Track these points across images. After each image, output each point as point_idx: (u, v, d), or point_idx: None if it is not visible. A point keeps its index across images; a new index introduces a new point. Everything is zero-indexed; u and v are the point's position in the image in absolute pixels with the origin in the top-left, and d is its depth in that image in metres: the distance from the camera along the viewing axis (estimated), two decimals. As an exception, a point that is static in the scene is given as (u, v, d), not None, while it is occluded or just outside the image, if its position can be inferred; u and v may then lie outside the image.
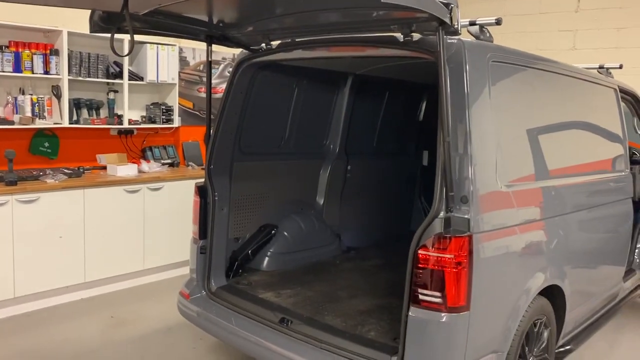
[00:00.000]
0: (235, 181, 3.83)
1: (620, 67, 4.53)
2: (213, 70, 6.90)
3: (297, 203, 4.47)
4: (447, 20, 2.36)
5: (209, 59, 3.51)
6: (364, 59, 3.71)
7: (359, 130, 4.84)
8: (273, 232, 4.14)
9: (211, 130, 3.69)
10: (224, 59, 6.67)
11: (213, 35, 3.37)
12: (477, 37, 2.87)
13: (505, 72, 2.92)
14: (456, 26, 2.43)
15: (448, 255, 2.48)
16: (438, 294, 2.51)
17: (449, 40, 2.61)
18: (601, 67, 4.41)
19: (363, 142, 4.97)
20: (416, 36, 2.75)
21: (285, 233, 4.21)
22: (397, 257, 4.64)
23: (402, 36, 2.77)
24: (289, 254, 4.19)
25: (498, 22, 2.82)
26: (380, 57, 3.34)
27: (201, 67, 6.53)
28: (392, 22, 2.75)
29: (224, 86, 6.60)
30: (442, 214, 2.51)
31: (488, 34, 2.93)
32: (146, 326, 4.43)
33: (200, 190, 3.64)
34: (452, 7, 2.38)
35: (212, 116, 3.69)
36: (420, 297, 2.55)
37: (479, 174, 2.60)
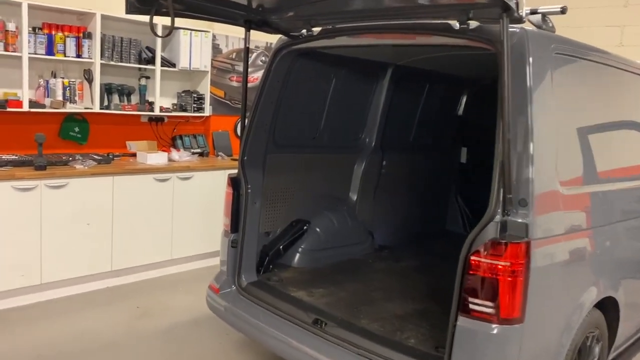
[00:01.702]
0: (268, 174, 3.68)
1: None
2: (245, 59, 6.86)
3: (329, 198, 4.31)
4: (513, 7, 2.15)
5: (247, 45, 3.36)
6: (409, 48, 3.52)
7: (396, 124, 4.65)
8: (305, 227, 3.99)
9: (245, 121, 3.54)
10: (257, 47, 6.52)
11: (252, 20, 3.21)
12: (538, 27, 2.65)
13: (568, 65, 2.70)
14: (522, 13, 2.22)
15: (503, 263, 2.29)
16: (490, 303, 2.32)
17: (510, 29, 2.40)
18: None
19: (400, 136, 4.78)
20: (472, 24, 2.55)
21: (318, 229, 4.05)
22: (432, 258, 4.48)
23: (457, 23, 2.57)
24: (320, 251, 4.03)
25: (563, 10, 2.59)
26: (429, 45, 3.13)
27: (234, 56, 6.39)
28: (447, 7, 2.55)
29: (256, 75, 6.53)
30: (497, 217, 2.31)
31: (550, 24, 2.70)
32: (172, 318, 4.33)
33: (234, 182, 3.50)
34: None
35: (246, 106, 3.54)
36: (471, 306, 2.36)
37: (539, 175, 2.40)
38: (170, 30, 2.68)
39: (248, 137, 3.52)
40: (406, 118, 4.81)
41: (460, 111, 5.39)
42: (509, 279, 2.29)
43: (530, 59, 2.42)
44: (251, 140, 3.53)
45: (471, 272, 2.35)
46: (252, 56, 6.55)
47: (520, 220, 2.29)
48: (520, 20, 2.28)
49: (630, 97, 3.41)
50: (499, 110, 2.30)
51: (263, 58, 6.58)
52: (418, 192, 5.05)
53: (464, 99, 5.37)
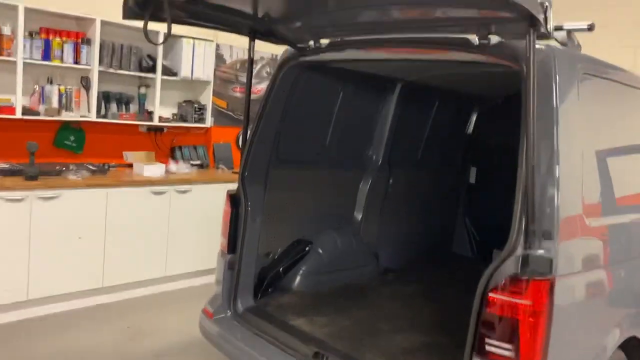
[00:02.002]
0: (270, 190, 3.48)
1: None
2: (249, 70, 6.70)
3: (333, 217, 4.10)
4: (541, 22, 1.97)
5: (251, 56, 3.17)
6: (420, 63, 3.33)
7: (404, 142, 4.45)
8: (307, 248, 3.78)
9: (248, 133, 3.35)
10: (262, 58, 6.35)
11: (257, 29, 3.04)
12: (563, 44, 2.46)
13: (595, 86, 2.51)
14: (550, 29, 2.04)
15: (524, 302, 2.08)
16: (509, 346, 2.11)
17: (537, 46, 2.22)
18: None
19: (407, 154, 4.58)
20: (493, 39, 2.36)
21: (320, 250, 3.84)
22: (440, 283, 4.26)
23: (476, 38, 2.39)
24: (323, 274, 3.81)
25: (590, 28, 2.41)
26: (443, 61, 2.95)
27: (238, 66, 6.22)
28: (467, 21, 2.37)
29: (260, 87, 6.36)
30: (519, 250, 2.11)
31: (576, 42, 2.52)
32: (163, 340, 4.11)
33: (233, 200, 3.30)
34: (547, 6, 1.99)
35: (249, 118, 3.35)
36: (487, 347, 2.15)
37: (565, 205, 2.19)
38: (166, 38, 2.50)
39: (250, 151, 3.33)
40: (414, 135, 4.62)
41: (470, 129, 5.20)
42: (531, 319, 2.08)
43: (557, 79, 2.23)
44: (253, 155, 3.34)
45: (488, 310, 2.14)
46: (257, 67, 6.39)
47: (544, 255, 2.08)
48: (547, 36, 2.10)
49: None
50: (522, 133, 2.11)
51: (268, 69, 6.42)
52: (425, 212, 4.84)
53: (474, 117, 5.19)
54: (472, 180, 5.20)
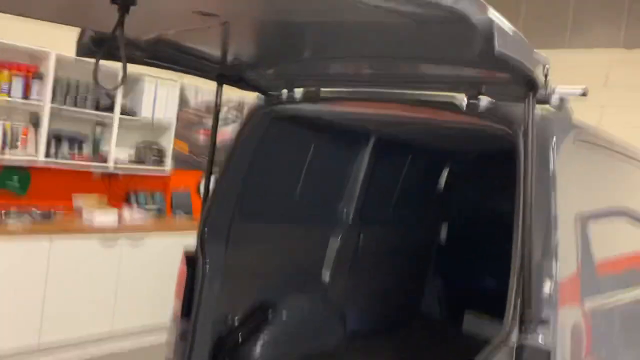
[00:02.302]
0: (231, 249, 3.17)
1: None
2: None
3: (300, 276, 3.80)
4: (542, 85, 1.79)
5: (218, 103, 2.91)
6: (402, 119, 3.14)
7: (376, 197, 4.24)
8: (269, 314, 3.44)
9: (210, 185, 3.06)
10: (228, 101, 6.11)
11: (226, 74, 2.80)
12: (556, 109, 2.30)
13: (589, 154, 2.35)
14: (550, 93, 1.87)
15: (520, 402, 1.82)
16: None
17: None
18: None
19: (379, 210, 4.36)
20: (483, 100, 2.17)
21: (284, 317, 3.51)
22: (410, 351, 4.01)
23: (465, 99, 2.20)
24: (286, 343, 3.48)
25: (584, 93, 2.26)
26: (426, 120, 2.76)
27: (203, 108, 5.96)
28: (455, 79, 2.18)
29: (224, 130, 6.11)
30: (513, 339, 1.86)
31: (569, 106, 2.37)
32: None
33: (189, 260, 2.97)
34: (547, 68, 1.82)
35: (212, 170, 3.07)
36: None
37: (564, 286, 1.97)
38: (120, 83, 2.22)
39: (211, 206, 3.03)
40: (386, 191, 4.42)
41: (442, 186, 5.06)
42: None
43: (555, 145, 2.05)
44: (215, 209, 3.05)
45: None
46: (223, 110, 6.14)
47: (542, 345, 1.84)
48: (547, 101, 1.93)
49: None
50: (517, 204, 1.90)
51: (235, 112, 6.17)
52: (395, 271, 4.59)
53: (446, 173, 5.05)
54: (443, 238, 5.03)
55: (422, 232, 4.89)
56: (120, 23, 1.68)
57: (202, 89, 5.86)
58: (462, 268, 4.94)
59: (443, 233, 5.08)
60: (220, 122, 6.19)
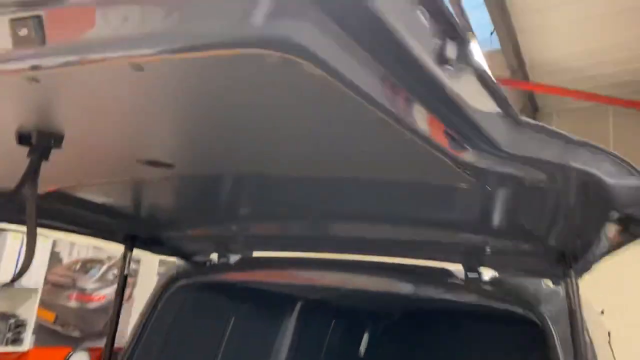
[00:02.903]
0: None
1: None
2: (92, 272, 5.46)
3: None
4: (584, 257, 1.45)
5: (125, 270, 2.25)
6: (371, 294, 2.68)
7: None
8: None
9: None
10: (109, 258, 5.25)
11: (137, 235, 2.19)
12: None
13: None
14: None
15: None
16: None
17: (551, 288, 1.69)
18: None
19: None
20: (485, 272, 1.79)
21: None
22: None
23: (462, 270, 1.80)
24: None
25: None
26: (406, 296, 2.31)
27: (77, 267, 5.02)
28: (454, 246, 1.78)
29: (104, 292, 5.16)
30: None
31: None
32: None
33: None
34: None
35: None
36: None
37: None
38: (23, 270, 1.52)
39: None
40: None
41: (362, 351, 4.57)
42: None
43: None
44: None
45: None
46: (103, 268, 5.25)
47: None
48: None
49: None
50: None
51: (115, 271, 5.29)
52: None
53: (366, 337, 4.61)
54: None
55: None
56: (34, 171, 1.08)
57: (79, 244, 4.98)
58: None
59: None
60: (97, 283, 5.30)
